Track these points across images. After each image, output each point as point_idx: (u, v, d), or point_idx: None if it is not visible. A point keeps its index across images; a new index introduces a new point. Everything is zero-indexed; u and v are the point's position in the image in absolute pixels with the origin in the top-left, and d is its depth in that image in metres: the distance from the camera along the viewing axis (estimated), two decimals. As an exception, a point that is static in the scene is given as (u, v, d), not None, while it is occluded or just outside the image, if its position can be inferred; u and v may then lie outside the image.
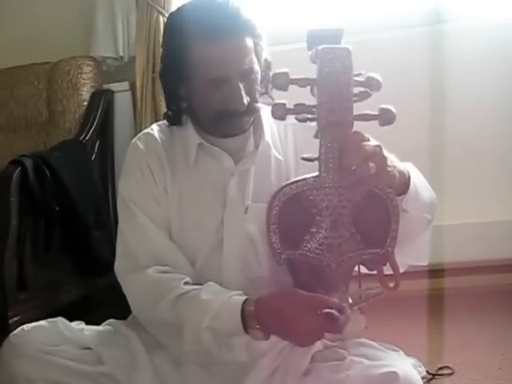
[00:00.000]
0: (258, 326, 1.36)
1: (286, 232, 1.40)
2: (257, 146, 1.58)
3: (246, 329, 1.37)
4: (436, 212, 1.53)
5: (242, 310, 1.37)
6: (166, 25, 1.63)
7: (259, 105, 1.57)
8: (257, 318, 1.36)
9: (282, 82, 1.33)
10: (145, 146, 1.61)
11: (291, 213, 1.40)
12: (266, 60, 1.58)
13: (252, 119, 1.57)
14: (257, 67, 1.52)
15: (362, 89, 1.33)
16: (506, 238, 2.64)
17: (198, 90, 1.52)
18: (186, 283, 1.47)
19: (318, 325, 1.29)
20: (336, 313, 1.27)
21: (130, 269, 1.53)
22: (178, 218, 1.55)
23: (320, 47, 1.31)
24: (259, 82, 1.55)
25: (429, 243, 1.55)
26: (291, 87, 1.34)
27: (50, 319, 1.57)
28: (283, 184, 1.42)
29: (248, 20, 1.50)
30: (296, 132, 1.62)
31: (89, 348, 1.53)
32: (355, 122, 1.32)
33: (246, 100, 1.49)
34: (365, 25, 2.70)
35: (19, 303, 2.17)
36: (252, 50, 1.51)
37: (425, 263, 1.55)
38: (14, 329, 1.53)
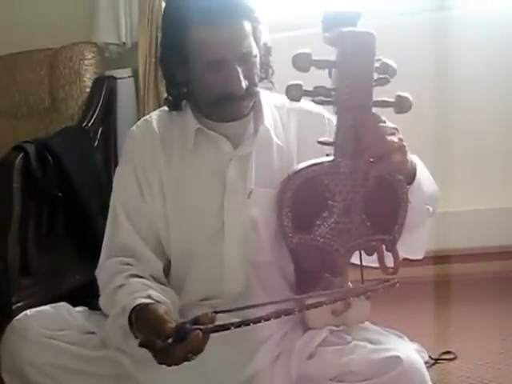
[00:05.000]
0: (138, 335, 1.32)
1: (299, 216, 1.40)
2: (256, 131, 1.56)
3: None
4: (439, 200, 1.53)
5: (130, 316, 1.35)
6: (164, 8, 1.62)
7: (259, 89, 1.56)
8: (136, 327, 1.33)
9: (304, 63, 1.29)
10: (141, 135, 1.61)
11: (305, 197, 1.39)
12: (265, 44, 1.56)
13: (251, 104, 1.56)
14: (255, 51, 1.50)
15: (380, 75, 1.32)
16: (507, 225, 2.65)
17: (196, 73, 1.51)
18: (130, 276, 1.47)
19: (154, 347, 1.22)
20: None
21: (102, 260, 1.57)
22: (176, 203, 1.55)
23: (344, 30, 1.29)
24: (258, 66, 1.53)
25: (426, 238, 1.54)
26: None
27: (53, 304, 1.58)
28: (298, 168, 1.42)
29: (246, 3, 1.48)
30: (300, 118, 1.61)
31: (92, 332, 1.53)
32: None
33: (244, 84, 1.47)
34: (367, 11, 2.68)
35: (23, 289, 2.18)
36: (250, 34, 1.48)
37: (420, 257, 1.56)
38: (18, 314, 1.53)
